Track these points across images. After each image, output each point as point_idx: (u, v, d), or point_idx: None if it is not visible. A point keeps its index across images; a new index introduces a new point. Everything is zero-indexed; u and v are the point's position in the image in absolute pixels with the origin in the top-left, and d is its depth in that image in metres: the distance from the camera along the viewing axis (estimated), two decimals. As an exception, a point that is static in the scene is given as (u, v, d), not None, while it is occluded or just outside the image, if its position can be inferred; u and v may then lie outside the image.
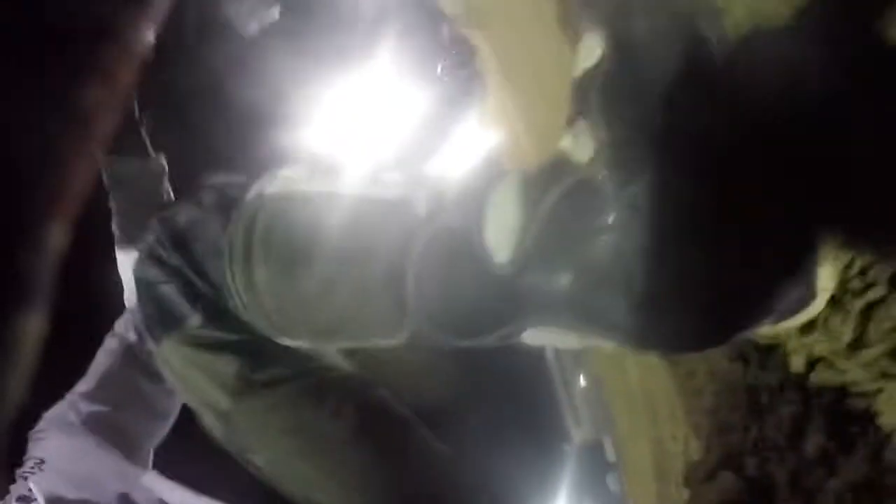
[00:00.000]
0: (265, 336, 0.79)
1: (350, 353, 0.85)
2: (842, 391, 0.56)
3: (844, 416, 0.57)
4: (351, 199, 0.72)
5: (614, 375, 2.08)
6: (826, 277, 0.54)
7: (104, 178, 1.07)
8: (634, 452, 2.01)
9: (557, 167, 0.61)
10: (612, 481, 2.23)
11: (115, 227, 1.08)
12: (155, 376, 1.09)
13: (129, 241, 1.02)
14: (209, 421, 0.85)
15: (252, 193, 0.78)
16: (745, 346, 0.83)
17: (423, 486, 0.83)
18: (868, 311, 0.50)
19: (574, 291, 0.59)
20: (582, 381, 2.38)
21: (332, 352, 0.88)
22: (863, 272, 0.51)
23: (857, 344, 0.52)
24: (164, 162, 1.10)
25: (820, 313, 0.56)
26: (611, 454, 2.27)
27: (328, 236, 0.70)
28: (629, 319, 0.58)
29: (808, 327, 0.59)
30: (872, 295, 0.49)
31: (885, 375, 0.49)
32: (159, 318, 0.84)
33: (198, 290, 0.80)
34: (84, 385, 1.13)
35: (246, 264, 0.75)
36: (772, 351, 0.72)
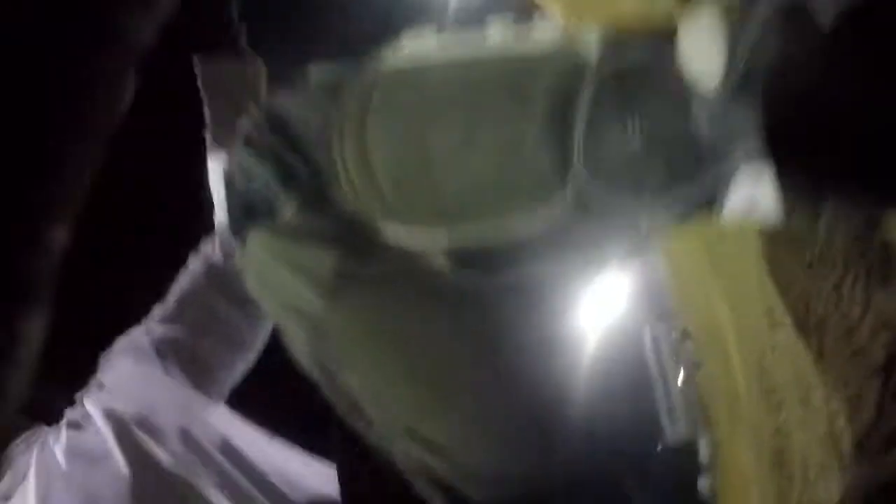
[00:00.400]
0: (371, 228, 0.68)
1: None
2: None
3: None
4: (494, 56, 0.61)
5: (716, 367, 1.92)
6: None
7: (199, 82, 1.01)
8: (734, 457, 1.84)
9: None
10: (703, 485, 2.08)
11: (207, 135, 1.02)
12: (239, 302, 1.03)
13: (222, 145, 0.95)
14: (294, 332, 0.75)
15: (368, 68, 0.67)
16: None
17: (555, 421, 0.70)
18: None
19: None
20: (680, 378, 2.24)
21: (440, 258, 0.76)
22: None
23: None
24: (263, 65, 1.02)
25: None
26: (704, 455, 2.12)
27: (465, 92, 0.59)
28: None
29: None
30: None
31: None
32: (247, 209, 0.74)
33: (295, 172, 0.69)
34: (162, 308, 1.07)
35: (360, 135, 0.65)
36: None
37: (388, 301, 0.69)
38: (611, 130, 0.55)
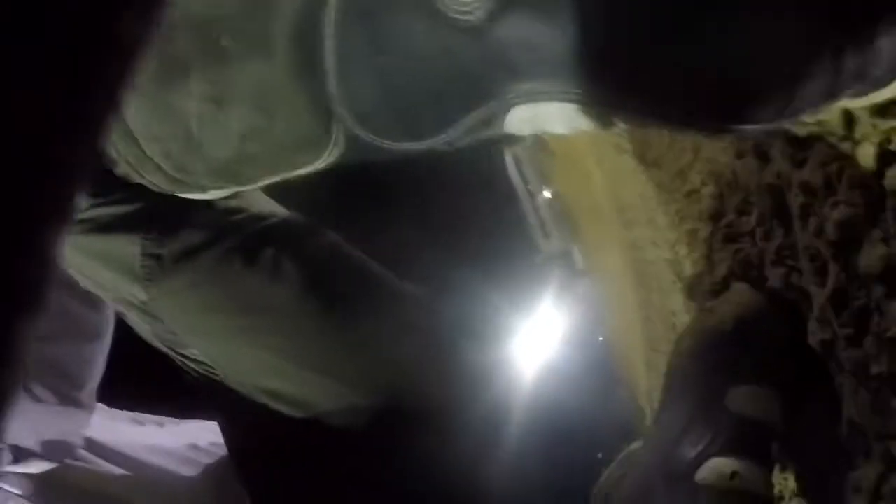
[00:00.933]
0: (170, 198, 0.61)
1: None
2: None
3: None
4: None
5: (577, 184, 2.00)
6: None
7: None
8: (607, 261, 1.98)
9: None
10: (583, 288, 2.24)
11: None
12: (82, 293, 0.93)
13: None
14: (133, 320, 0.70)
15: None
16: (764, 137, 0.69)
17: (400, 342, 0.70)
18: None
19: (569, 39, 0.41)
20: (546, 193, 2.32)
21: (258, 195, 0.70)
22: None
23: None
24: None
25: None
26: (580, 262, 2.26)
27: (200, 28, 0.49)
28: (641, 76, 0.42)
29: (888, 107, 0.44)
30: None
31: None
32: None
33: None
34: None
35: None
36: (810, 143, 0.57)
37: (202, 272, 0.64)
38: (365, 67, 0.46)
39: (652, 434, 0.77)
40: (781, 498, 0.78)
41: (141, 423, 0.97)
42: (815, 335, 0.63)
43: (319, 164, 0.54)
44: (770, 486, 0.71)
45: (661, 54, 0.43)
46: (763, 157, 0.68)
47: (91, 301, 0.92)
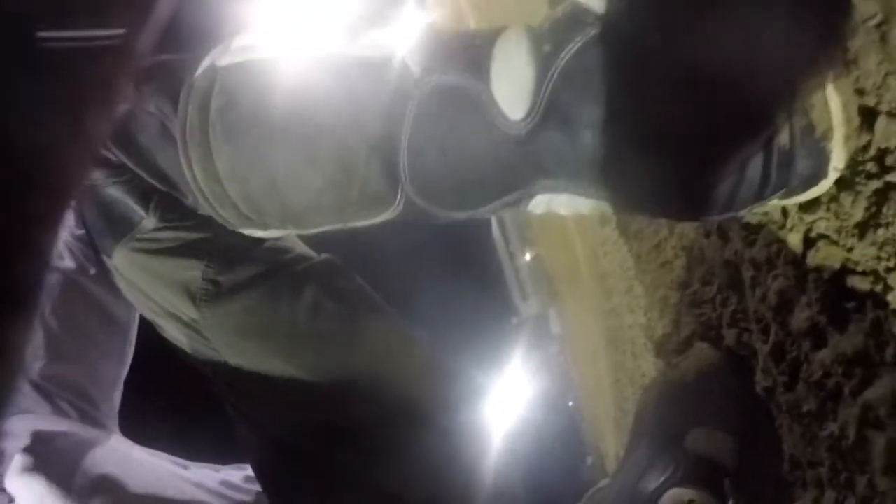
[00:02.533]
0: (231, 232, 0.70)
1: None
2: (842, 270, 0.57)
3: (842, 293, 0.58)
4: (326, 61, 0.63)
5: (559, 250, 2.14)
6: (838, 157, 0.53)
7: None
8: (580, 325, 2.10)
9: (574, 17, 0.55)
10: (555, 353, 2.34)
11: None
12: (104, 314, 0.98)
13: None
14: (173, 332, 0.77)
15: (202, 68, 0.65)
16: (725, 221, 0.84)
17: (412, 375, 0.81)
18: (885, 192, 0.50)
19: (595, 148, 0.54)
20: (527, 256, 2.45)
21: (301, 241, 0.82)
22: (880, 155, 0.50)
23: (867, 224, 0.52)
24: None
25: (827, 192, 0.56)
26: (555, 326, 2.37)
27: (302, 103, 0.62)
28: (658, 180, 0.55)
29: (812, 205, 0.59)
30: (891, 178, 0.49)
31: None
32: (108, 226, 0.74)
33: (148, 186, 0.70)
34: (31, 345, 0.98)
35: (204, 147, 0.64)
36: (758, 228, 0.72)
37: (254, 300, 0.72)
38: (433, 150, 0.58)
39: (618, 471, 0.89)
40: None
41: (184, 466, 0.96)
42: (760, 383, 0.76)
43: (378, 220, 0.65)
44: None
45: (644, 166, 0.57)
46: (724, 236, 0.83)
47: (112, 321, 0.96)
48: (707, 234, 0.89)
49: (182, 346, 0.78)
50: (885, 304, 0.51)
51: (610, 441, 1.53)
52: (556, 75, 0.54)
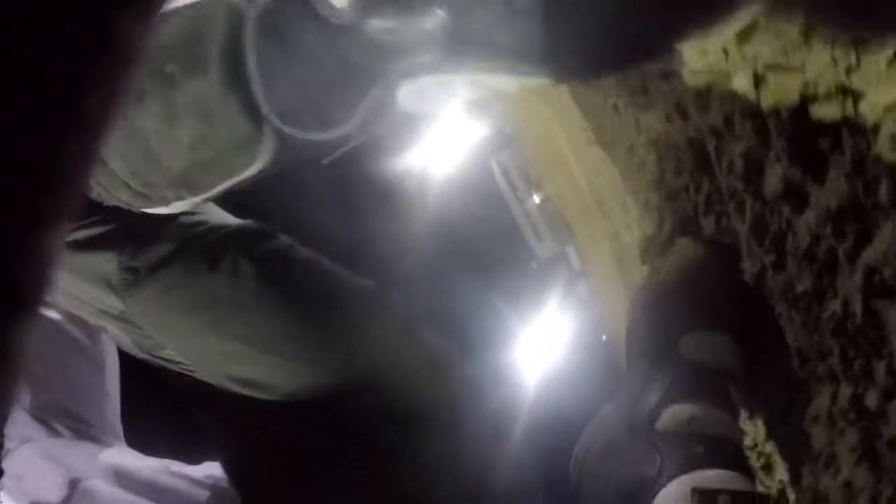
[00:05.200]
0: (140, 216, 0.67)
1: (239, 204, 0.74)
2: (803, 102, 0.45)
3: (809, 133, 0.46)
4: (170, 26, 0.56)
5: (564, 185, 2.03)
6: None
7: None
8: (595, 256, 2.00)
9: None
10: (582, 289, 2.24)
11: None
12: (54, 327, 0.97)
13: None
14: (113, 332, 0.76)
15: None
16: (680, 95, 0.72)
17: (349, 327, 0.74)
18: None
19: (445, 21, 0.47)
20: (536, 199, 2.34)
21: (216, 210, 0.76)
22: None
23: (812, 27, 0.40)
24: None
25: (759, 13, 0.44)
26: (576, 263, 2.26)
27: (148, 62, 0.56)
28: (516, 39, 0.46)
29: (748, 32, 0.47)
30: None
31: (855, 46, 0.37)
32: None
33: None
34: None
35: None
36: (708, 89, 0.60)
37: (173, 278, 0.70)
38: (280, 71, 0.54)
39: (616, 393, 0.79)
40: (756, 445, 0.79)
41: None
42: (748, 270, 0.65)
43: (259, 164, 0.59)
44: (736, 429, 0.72)
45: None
46: (684, 114, 0.71)
47: (87, 327, 0.95)
48: (668, 119, 0.77)
49: (125, 343, 0.76)
50: (862, 126, 0.39)
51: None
52: None
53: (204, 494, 0.90)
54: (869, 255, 0.46)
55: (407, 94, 0.51)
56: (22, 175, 0.18)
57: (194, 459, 0.95)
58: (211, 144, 0.57)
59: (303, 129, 0.54)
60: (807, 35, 0.41)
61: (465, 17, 0.47)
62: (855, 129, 0.41)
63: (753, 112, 0.52)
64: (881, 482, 0.52)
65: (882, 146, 0.38)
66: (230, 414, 0.77)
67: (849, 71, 0.39)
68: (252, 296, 0.71)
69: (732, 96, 0.55)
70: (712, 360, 0.70)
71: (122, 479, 0.90)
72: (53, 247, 0.19)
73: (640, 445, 0.70)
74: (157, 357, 0.76)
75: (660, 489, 0.67)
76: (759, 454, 0.75)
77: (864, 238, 0.47)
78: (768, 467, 0.74)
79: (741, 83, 0.51)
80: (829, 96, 0.42)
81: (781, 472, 0.71)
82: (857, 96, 0.40)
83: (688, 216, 0.76)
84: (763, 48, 0.46)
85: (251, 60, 0.53)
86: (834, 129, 0.43)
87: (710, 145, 0.64)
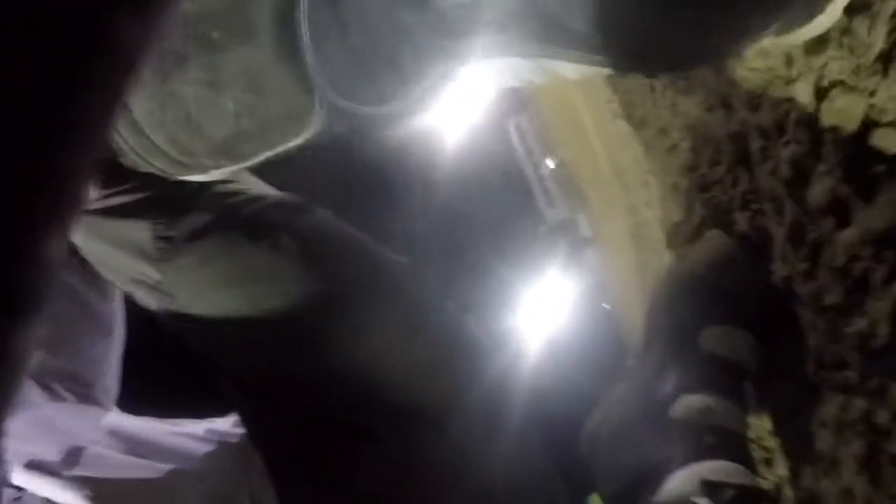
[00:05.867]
0: (174, 183, 0.66)
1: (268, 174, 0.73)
2: (865, 124, 0.45)
3: (866, 154, 0.46)
4: None
5: (581, 152, 2.01)
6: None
7: None
8: (609, 227, 2.00)
9: None
10: (589, 256, 2.24)
11: None
12: (96, 284, 0.96)
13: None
14: (143, 298, 0.74)
15: None
16: (728, 88, 0.71)
17: (384, 302, 0.74)
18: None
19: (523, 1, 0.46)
20: (550, 164, 2.33)
21: (254, 180, 0.75)
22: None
23: (892, 54, 0.39)
24: None
25: (835, 24, 0.43)
26: (586, 230, 2.26)
27: (196, 30, 0.54)
28: (595, 26, 0.45)
29: (819, 44, 0.46)
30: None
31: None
32: None
33: None
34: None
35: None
36: (763, 88, 0.59)
37: (211, 249, 0.69)
38: (335, 41, 0.52)
39: (632, 374, 0.81)
40: (760, 438, 0.81)
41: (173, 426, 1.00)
42: (778, 272, 0.65)
43: (307, 134, 0.58)
44: (744, 423, 0.74)
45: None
46: (728, 106, 0.70)
47: (102, 293, 0.95)
48: (710, 108, 0.76)
49: (154, 310, 0.73)
50: None
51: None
52: None
53: (208, 448, 0.92)
54: (906, 280, 0.46)
55: (473, 74, 0.50)
56: (22, 177, 0.18)
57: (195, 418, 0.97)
58: (258, 114, 0.56)
59: (355, 100, 0.53)
60: (885, 60, 0.40)
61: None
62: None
63: (810, 122, 0.51)
64: (879, 494, 0.54)
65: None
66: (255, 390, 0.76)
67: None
68: (295, 272, 0.69)
69: (789, 101, 0.54)
70: (731, 354, 0.71)
71: (128, 441, 0.92)
72: (54, 250, 0.19)
73: (653, 430, 0.72)
74: (186, 330, 0.75)
75: (669, 476, 0.69)
76: (762, 448, 0.77)
77: (903, 266, 0.47)
78: (769, 462, 0.76)
79: (802, 91, 0.50)
80: (894, 127, 0.41)
81: (781, 469, 0.73)
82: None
83: (720, 209, 0.76)
84: (833, 63, 0.45)
85: (304, 27, 0.52)
86: (892, 158, 0.43)
87: (755, 144, 0.64)
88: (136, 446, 0.91)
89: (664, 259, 1.33)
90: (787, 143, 0.56)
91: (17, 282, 0.18)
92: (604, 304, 2.15)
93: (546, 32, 0.47)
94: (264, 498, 0.83)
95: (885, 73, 0.40)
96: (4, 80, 0.17)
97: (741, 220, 0.72)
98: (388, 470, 0.69)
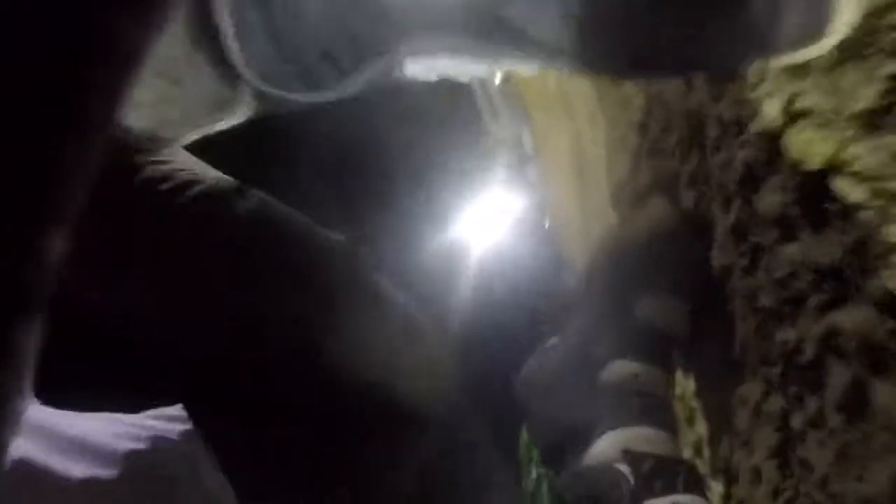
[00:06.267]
0: None
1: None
2: (829, 166, 0.44)
3: (824, 191, 0.45)
4: None
5: (529, 78, 1.96)
6: (849, 9, 0.37)
7: None
8: (551, 146, 1.99)
9: None
10: (530, 172, 2.25)
11: None
12: None
13: None
14: None
15: None
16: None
17: (325, 280, 0.72)
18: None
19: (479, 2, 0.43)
20: (496, 78, 2.28)
21: (184, 155, 0.70)
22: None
23: (877, 117, 0.37)
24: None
25: (825, 56, 0.41)
26: (529, 146, 2.26)
27: None
28: (564, 34, 0.43)
29: (800, 70, 0.44)
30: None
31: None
32: None
33: None
34: None
35: None
36: (729, 84, 0.58)
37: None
38: (261, 31, 0.49)
39: (567, 332, 0.83)
40: (683, 397, 0.86)
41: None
42: (717, 259, 0.67)
43: (235, 120, 0.55)
44: (670, 386, 0.78)
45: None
46: (687, 82, 0.68)
47: None
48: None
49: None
50: (879, 231, 0.39)
51: (581, 263, 1.47)
52: None
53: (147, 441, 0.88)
54: (836, 318, 0.47)
55: (416, 70, 0.47)
56: (25, 178, 0.18)
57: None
58: (177, 104, 0.53)
59: (287, 90, 0.49)
60: (868, 120, 0.39)
61: (504, 3, 0.42)
62: (869, 227, 0.41)
63: (772, 135, 0.51)
64: (785, 483, 0.58)
65: (891, 264, 0.38)
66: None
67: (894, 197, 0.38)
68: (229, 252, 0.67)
69: (753, 105, 0.53)
70: (665, 324, 0.74)
71: (51, 439, 0.87)
72: (54, 248, 0.19)
73: (584, 390, 0.75)
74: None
75: (594, 440, 0.72)
76: (685, 406, 0.82)
77: (839, 302, 0.48)
78: (690, 421, 0.80)
79: (770, 107, 0.49)
80: (858, 182, 0.41)
81: (701, 430, 0.78)
82: (889, 214, 0.39)
83: (667, 180, 0.76)
84: (810, 94, 0.44)
85: (226, 15, 0.47)
86: (850, 208, 0.43)
87: (712, 131, 0.63)
88: (62, 443, 0.87)
89: (603, 195, 1.34)
90: (745, 143, 0.56)
91: (22, 280, 0.18)
92: (545, 223, 2.18)
93: (501, 39, 0.44)
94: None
95: (865, 129, 0.39)
96: (6, 81, 0.17)
97: (686, 198, 0.72)
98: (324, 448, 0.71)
